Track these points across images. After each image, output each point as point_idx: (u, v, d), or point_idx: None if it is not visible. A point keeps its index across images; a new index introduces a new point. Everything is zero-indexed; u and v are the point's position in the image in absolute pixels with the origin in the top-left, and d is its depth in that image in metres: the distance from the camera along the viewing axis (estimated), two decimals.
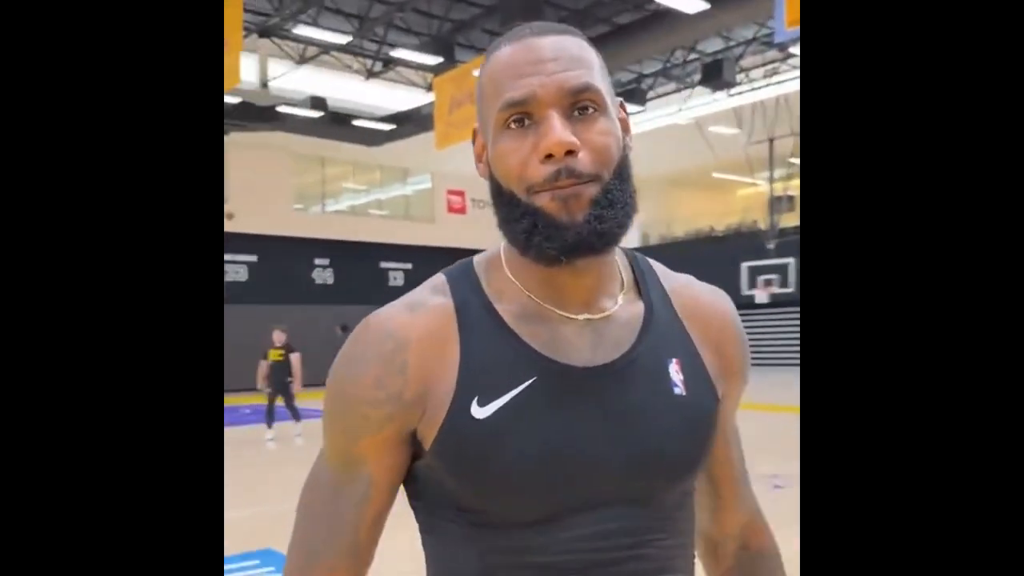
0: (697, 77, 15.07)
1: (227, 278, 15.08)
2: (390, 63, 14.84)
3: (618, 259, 0.76)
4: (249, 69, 13.01)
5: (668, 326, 0.74)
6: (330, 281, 19.29)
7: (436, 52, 13.16)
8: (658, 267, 0.80)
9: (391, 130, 15.99)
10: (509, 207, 0.69)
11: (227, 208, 15.89)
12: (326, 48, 14.16)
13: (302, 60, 14.56)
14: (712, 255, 17.71)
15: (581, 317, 0.71)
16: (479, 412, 0.66)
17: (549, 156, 0.65)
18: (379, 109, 16.12)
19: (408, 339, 0.68)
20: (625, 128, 0.72)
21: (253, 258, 17.19)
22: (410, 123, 15.72)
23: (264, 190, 17.94)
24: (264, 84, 15.15)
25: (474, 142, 0.74)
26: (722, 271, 15.09)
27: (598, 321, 0.71)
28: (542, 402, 0.67)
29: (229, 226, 14.96)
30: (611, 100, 0.70)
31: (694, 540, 0.76)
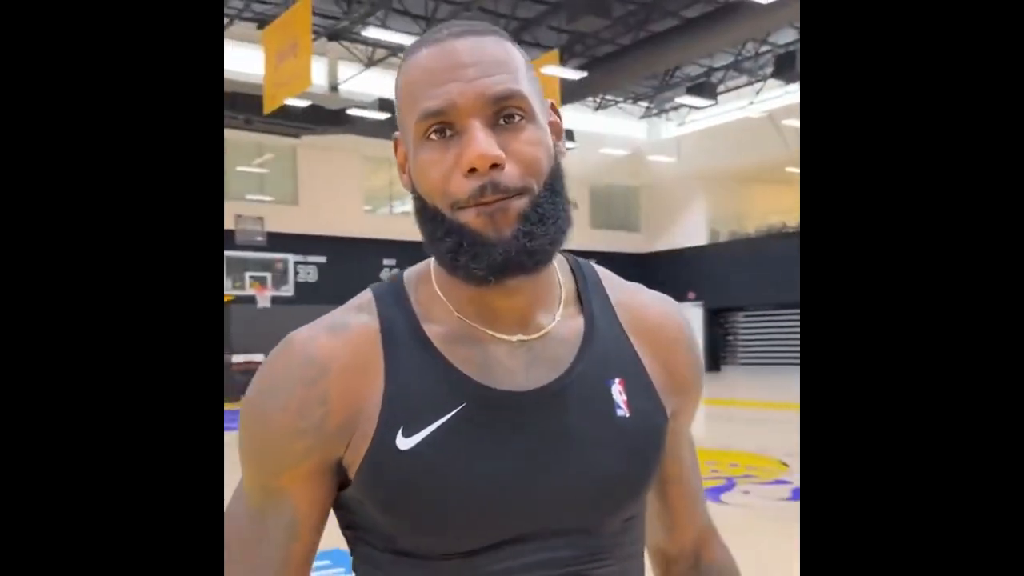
0: (770, 69, 14.66)
1: (298, 279, 15.43)
2: None
3: (558, 268, 0.70)
4: (319, 73, 13.26)
5: (612, 342, 0.69)
6: None
7: None
8: (605, 275, 0.75)
9: None
10: (433, 224, 0.64)
11: (262, 212, 16.25)
12: (394, 50, 14.32)
13: (370, 63, 14.77)
14: (785, 252, 17.20)
15: (515, 338, 0.66)
16: (404, 443, 0.61)
17: (473, 170, 0.60)
18: None
19: (329, 365, 0.63)
20: (557, 133, 0.67)
21: (323, 259, 17.55)
22: None
23: (334, 192, 18.29)
24: (334, 87, 15.43)
25: (396, 151, 0.69)
26: (795, 269, 14.60)
27: (533, 341, 0.66)
28: (471, 431, 0.62)
29: (301, 228, 15.31)
30: (539, 104, 0.65)
31: (642, 560, 0.72)
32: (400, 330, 0.65)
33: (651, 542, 0.79)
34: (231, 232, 14.99)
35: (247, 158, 17.44)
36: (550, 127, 0.66)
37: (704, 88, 15.21)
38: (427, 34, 0.66)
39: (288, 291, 14.65)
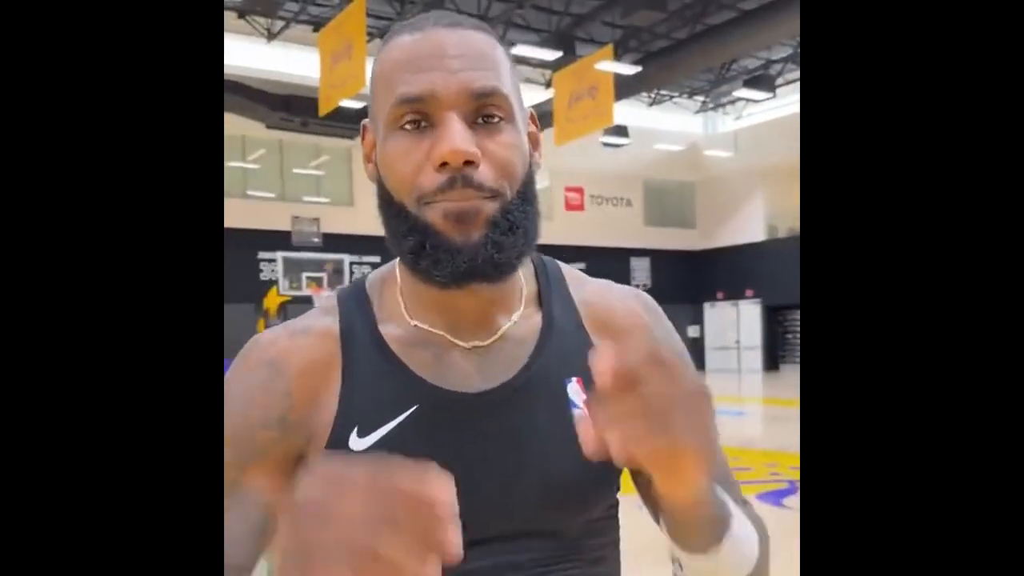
0: None
1: (354, 278, 15.64)
2: None
3: (521, 269, 0.67)
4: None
5: (571, 341, 0.68)
6: None
7: (556, 47, 13.06)
8: (571, 274, 0.73)
9: None
10: (397, 220, 0.62)
11: (319, 214, 16.47)
12: None
13: None
14: None
15: (469, 345, 0.65)
16: (358, 444, 0.62)
17: (444, 164, 0.58)
18: None
19: (290, 366, 0.64)
20: (534, 143, 0.66)
21: (377, 259, 17.76)
22: None
23: None
24: None
25: (363, 140, 0.67)
26: None
27: (490, 344, 0.66)
28: (423, 433, 0.62)
29: (356, 229, 15.50)
30: (520, 109, 0.64)
31: (615, 564, 0.70)
32: (359, 332, 0.65)
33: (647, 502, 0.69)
34: (287, 233, 15.28)
35: (304, 160, 17.74)
36: (528, 136, 0.65)
37: (762, 81, 14.89)
38: (411, 20, 0.63)
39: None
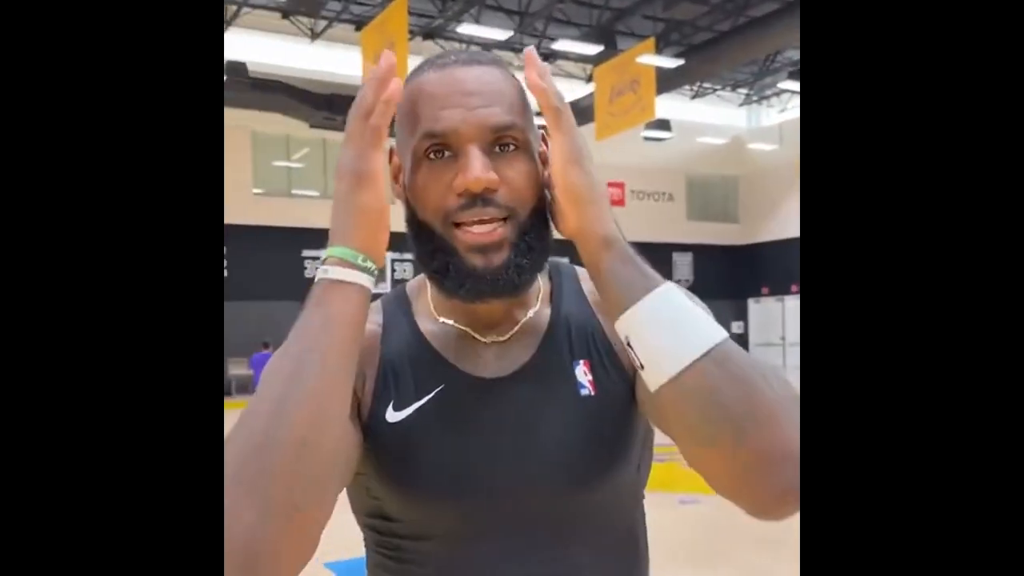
0: None
1: (395, 275, 15.78)
2: (550, 56, 14.82)
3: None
4: None
5: (581, 329, 0.75)
6: None
7: (597, 41, 12.99)
8: (583, 274, 0.78)
9: None
10: (424, 239, 0.70)
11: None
12: (487, 46, 14.39)
13: None
14: None
15: (488, 340, 0.74)
16: (393, 416, 0.71)
17: (466, 192, 0.66)
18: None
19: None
20: (544, 161, 0.72)
21: None
22: None
23: None
24: None
25: (390, 161, 0.73)
26: None
27: (507, 339, 0.74)
28: (447, 409, 0.71)
29: (397, 226, 15.60)
30: (533, 134, 0.71)
31: (637, 556, 0.75)
32: (397, 326, 0.76)
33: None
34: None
35: None
36: (539, 156, 0.72)
37: None
38: (433, 58, 0.71)
39: (385, 287, 14.99)
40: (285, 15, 13.61)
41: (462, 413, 0.71)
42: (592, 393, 0.71)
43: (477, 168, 0.65)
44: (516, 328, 0.74)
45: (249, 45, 13.95)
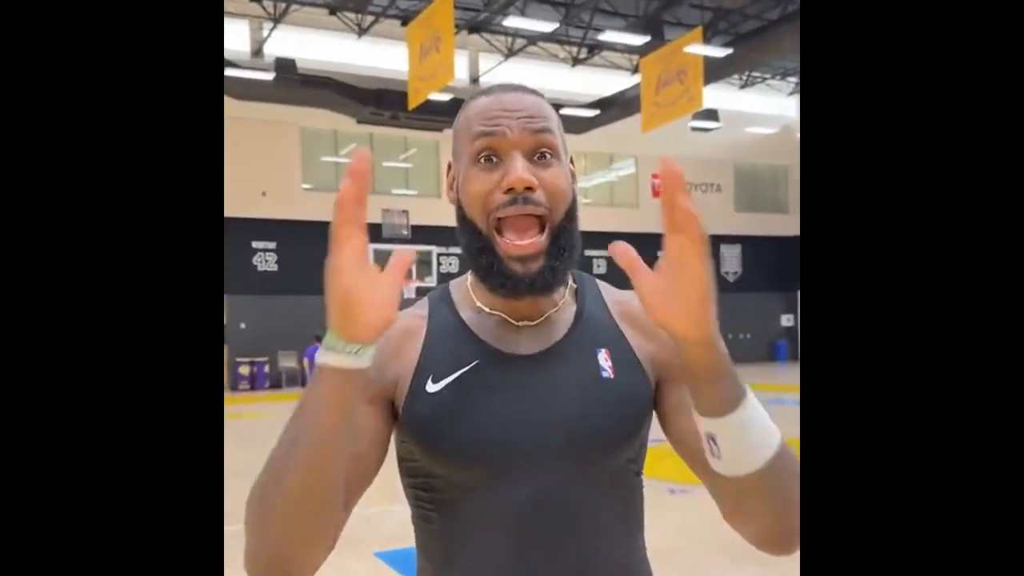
0: None
1: (441, 269, 15.90)
2: (596, 48, 14.72)
3: None
4: (460, 66, 13.53)
5: (601, 324, 0.87)
6: None
7: (644, 32, 12.84)
8: (603, 285, 0.93)
9: (595, 116, 15.90)
10: (471, 236, 0.82)
11: (407, 206, 16.70)
12: (533, 39, 14.35)
13: (510, 53, 14.90)
14: None
15: (521, 324, 0.85)
16: (432, 387, 0.82)
17: (510, 190, 0.78)
18: (583, 96, 16.09)
19: (389, 332, 0.78)
20: (573, 176, 0.85)
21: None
22: (615, 107, 15.52)
23: None
24: (475, 79, 15.70)
25: (447, 173, 0.88)
26: None
27: (537, 324, 0.85)
28: (481, 381, 0.81)
29: (443, 220, 15.73)
30: (564, 151, 0.83)
31: (634, 515, 0.86)
32: (440, 313, 0.87)
33: (711, 491, 0.81)
34: (378, 226, 15.67)
35: (393, 153, 18.13)
36: (571, 171, 0.85)
37: None
38: (482, 89, 0.86)
39: (432, 281, 15.14)
40: (332, 11, 13.79)
41: (494, 384, 0.81)
42: (611, 376, 0.83)
43: (520, 169, 0.78)
44: (544, 318, 0.86)
45: (298, 42, 14.17)
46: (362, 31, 14.31)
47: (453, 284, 0.91)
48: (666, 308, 0.66)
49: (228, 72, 13.11)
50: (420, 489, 0.84)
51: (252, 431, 10.95)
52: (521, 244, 0.78)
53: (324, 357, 0.67)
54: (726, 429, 0.69)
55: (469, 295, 0.87)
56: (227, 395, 15.88)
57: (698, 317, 0.66)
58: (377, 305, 0.67)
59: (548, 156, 0.80)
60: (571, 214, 0.82)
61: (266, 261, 16.88)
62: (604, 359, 0.84)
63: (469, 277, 0.88)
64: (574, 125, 16.26)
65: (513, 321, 0.84)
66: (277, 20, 13.50)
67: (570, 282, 0.89)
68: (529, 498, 0.79)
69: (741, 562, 3.99)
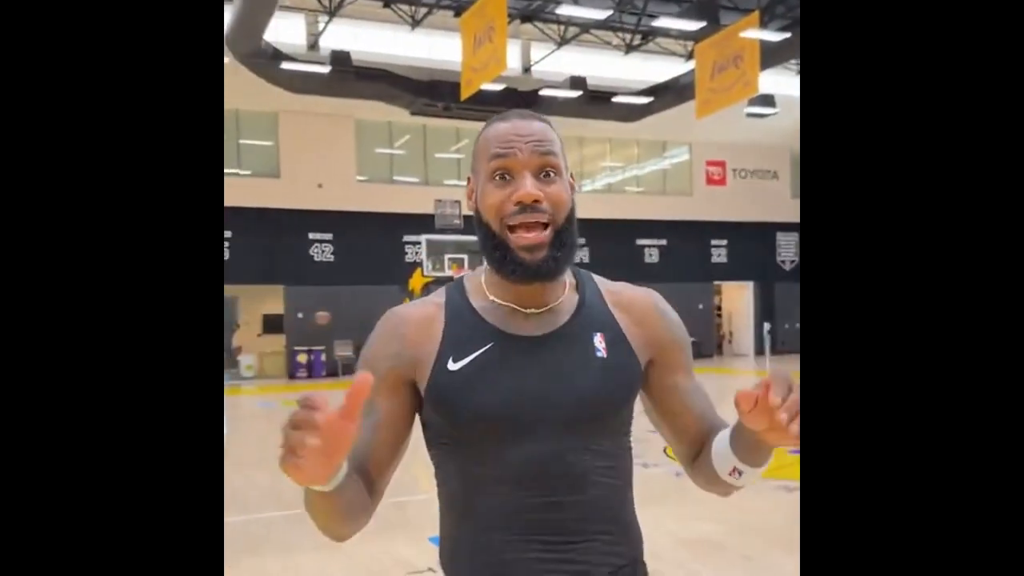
0: None
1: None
2: (650, 34, 14.53)
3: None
4: (512, 55, 13.52)
5: (597, 312, 1.05)
6: (586, 260, 19.62)
7: (699, 17, 12.62)
8: (598, 278, 1.11)
9: (649, 103, 15.71)
10: (486, 236, 1.00)
11: (459, 196, 16.77)
12: (586, 26, 14.24)
13: (563, 41, 14.82)
14: None
15: (528, 311, 1.02)
16: (453, 366, 0.99)
17: (520, 202, 0.96)
18: (636, 83, 15.91)
19: (407, 321, 1.03)
20: (572, 188, 1.03)
21: None
22: (668, 94, 15.31)
23: None
24: (527, 69, 15.67)
25: (467, 185, 1.07)
26: None
27: (542, 312, 1.02)
28: (497, 360, 0.99)
29: None
30: (565, 168, 1.01)
31: (624, 474, 1.04)
32: (456, 303, 1.04)
33: (677, 451, 1.10)
34: (431, 216, 15.80)
35: (446, 145, 18.25)
36: (569, 186, 1.02)
37: None
38: (499, 115, 1.04)
39: (482, 272, 15.16)
40: (387, 3, 13.92)
41: (507, 361, 0.99)
42: (605, 355, 1.01)
43: (529, 186, 0.96)
44: (548, 307, 1.02)
45: (352, 35, 14.36)
46: (416, 23, 14.42)
47: (467, 278, 1.08)
48: (767, 434, 0.83)
49: (285, 66, 13.36)
50: (440, 450, 1.02)
51: None
52: (528, 236, 0.96)
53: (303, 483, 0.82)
54: (754, 473, 0.97)
55: (482, 288, 1.05)
56: (285, 383, 16.28)
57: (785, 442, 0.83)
58: (325, 465, 0.77)
59: (552, 174, 0.98)
60: (570, 218, 1.00)
61: (323, 252, 17.21)
62: (599, 341, 1.01)
63: (484, 274, 1.06)
64: (627, 113, 16.09)
65: (522, 309, 1.02)
66: (332, 13, 13.70)
67: (571, 278, 1.07)
68: (532, 458, 0.96)
69: (795, 554, 3.94)
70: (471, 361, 0.98)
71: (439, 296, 1.06)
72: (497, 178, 0.98)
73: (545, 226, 0.97)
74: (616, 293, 1.07)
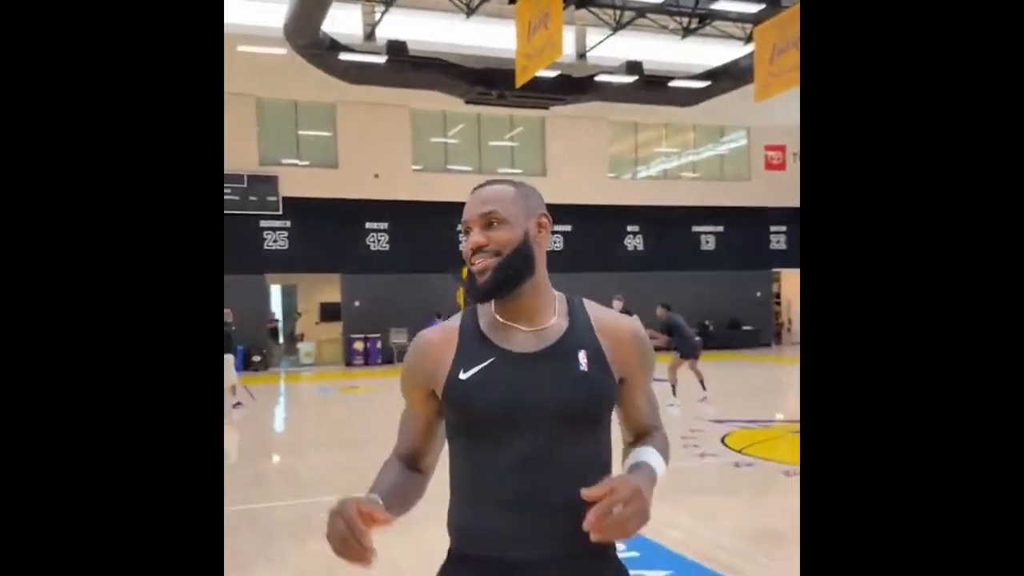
0: None
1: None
2: (707, 17, 14.24)
3: (557, 297, 1.36)
4: (567, 41, 13.42)
5: (584, 333, 1.32)
6: (640, 248, 19.40)
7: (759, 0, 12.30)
8: (590, 304, 1.38)
9: (706, 87, 15.42)
10: (468, 272, 1.31)
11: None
12: (642, 10, 14.04)
13: (618, 26, 14.63)
14: None
15: (527, 329, 1.31)
16: (463, 376, 1.28)
17: (471, 249, 1.29)
18: (693, 67, 15.62)
19: (431, 343, 1.35)
20: (542, 226, 1.34)
21: (568, 228, 17.95)
22: (726, 78, 14.99)
23: (579, 161, 18.52)
24: (581, 55, 15.53)
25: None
26: None
27: (538, 331, 1.31)
28: (496, 371, 1.27)
29: (548, 198, 15.77)
30: (518, 214, 1.31)
31: (603, 461, 1.30)
32: (468, 326, 1.34)
33: (623, 434, 1.43)
34: None
35: (499, 133, 18.26)
36: (538, 224, 1.34)
37: None
38: (478, 185, 1.37)
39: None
40: None
41: (506, 372, 1.27)
42: (586, 371, 1.28)
43: (476, 238, 1.29)
44: (543, 327, 1.31)
45: (408, 24, 14.46)
46: (470, 11, 14.43)
47: (479, 305, 1.36)
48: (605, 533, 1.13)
49: (342, 56, 13.54)
50: (454, 442, 1.32)
51: (367, 402, 11.42)
52: (475, 265, 1.28)
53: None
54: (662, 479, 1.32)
55: (490, 311, 1.34)
56: (342, 370, 16.60)
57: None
58: (360, 555, 1.11)
59: (495, 224, 1.28)
60: (519, 249, 1.28)
61: (378, 241, 17.45)
62: (583, 358, 1.29)
63: (493, 301, 1.32)
64: (683, 97, 15.82)
65: (521, 328, 1.31)
66: (389, 3, 13.82)
67: (564, 304, 1.36)
68: (525, 450, 1.24)
69: None
70: (477, 372, 1.27)
71: (455, 320, 1.37)
72: (463, 233, 1.34)
73: (496, 256, 1.27)
74: (601, 320, 1.35)
